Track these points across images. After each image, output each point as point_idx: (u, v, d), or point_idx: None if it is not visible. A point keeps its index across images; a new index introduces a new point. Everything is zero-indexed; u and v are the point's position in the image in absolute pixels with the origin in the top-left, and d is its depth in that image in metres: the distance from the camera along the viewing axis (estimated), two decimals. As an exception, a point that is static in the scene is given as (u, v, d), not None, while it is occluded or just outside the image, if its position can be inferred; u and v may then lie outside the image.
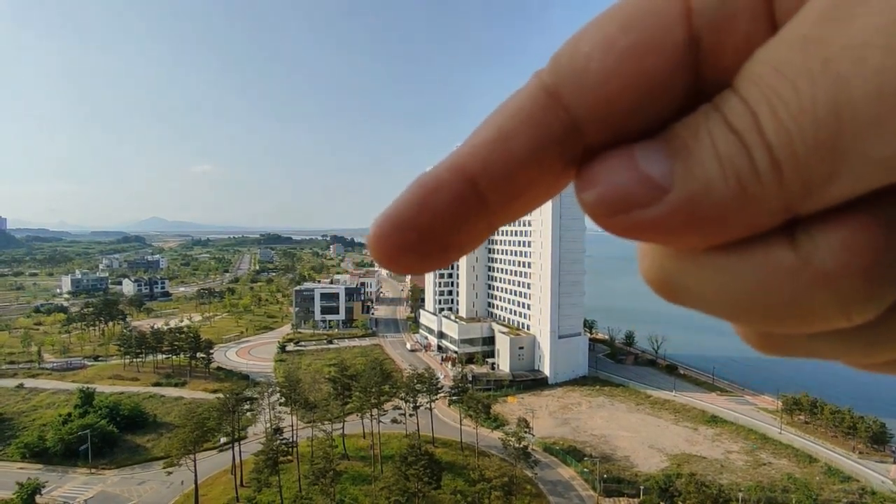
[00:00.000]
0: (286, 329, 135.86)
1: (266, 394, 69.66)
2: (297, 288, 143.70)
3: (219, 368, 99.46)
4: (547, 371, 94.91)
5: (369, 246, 0.42)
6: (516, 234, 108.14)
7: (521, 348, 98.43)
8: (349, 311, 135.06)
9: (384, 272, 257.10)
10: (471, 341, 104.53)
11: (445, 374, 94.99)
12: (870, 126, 0.31)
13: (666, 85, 0.38)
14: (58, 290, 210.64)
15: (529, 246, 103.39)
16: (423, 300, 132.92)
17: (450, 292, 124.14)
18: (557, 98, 0.39)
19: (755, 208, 0.35)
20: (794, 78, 0.33)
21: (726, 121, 0.36)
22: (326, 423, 64.44)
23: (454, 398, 75.42)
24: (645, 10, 0.38)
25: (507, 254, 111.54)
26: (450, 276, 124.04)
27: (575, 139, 0.40)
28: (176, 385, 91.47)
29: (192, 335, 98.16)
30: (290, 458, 58.12)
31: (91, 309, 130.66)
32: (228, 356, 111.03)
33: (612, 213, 0.38)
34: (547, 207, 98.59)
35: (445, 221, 0.40)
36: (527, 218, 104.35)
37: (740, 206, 0.35)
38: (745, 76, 0.36)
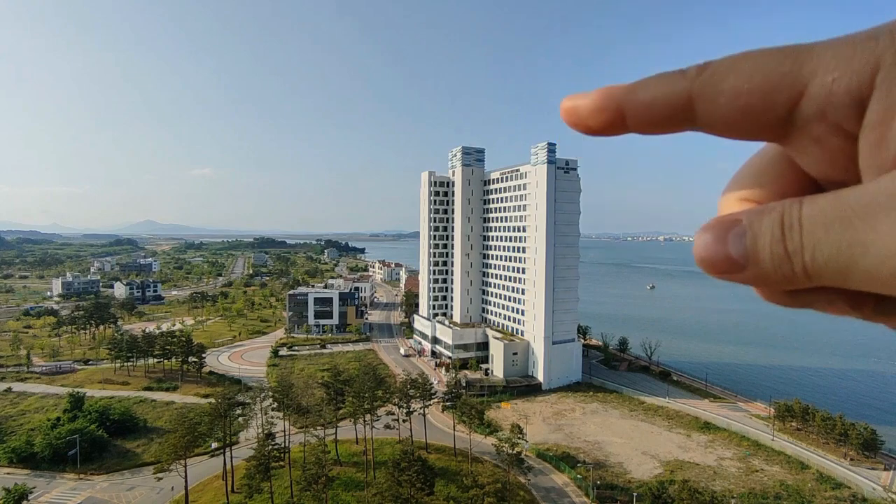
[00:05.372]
0: (279, 333, 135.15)
1: (258, 398, 69.14)
2: (291, 292, 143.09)
3: (211, 373, 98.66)
4: (541, 377, 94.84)
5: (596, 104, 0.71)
6: (511, 240, 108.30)
7: (515, 354, 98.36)
8: (343, 315, 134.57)
9: (378, 277, 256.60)
10: (465, 347, 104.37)
11: (439, 380, 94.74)
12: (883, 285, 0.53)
13: (765, 136, 0.66)
14: (48, 293, 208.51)
15: (524, 252, 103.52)
16: (417, 305, 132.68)
17: (444, 297, 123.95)
18: (690, 99, 0.64)
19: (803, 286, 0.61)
20: (832, 229, 0.54)
21: (783, 240, 0.58)
22: (319, 428, 64.00)
23: (448, 404, 75.17)
24: (767, 75, 0.60)
25: (501, 259, 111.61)
26: (444, 281, 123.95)
27: (692, 122, 0.67)
28: (167, 389, 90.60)
29: (184, 339, 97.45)
30: (282, 463, 57.62)
31: (82, 312, 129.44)
32: (221, 360, 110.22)
33: (709, 271, 0.65)
34: (542, 213, 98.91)
35: (601, 125, 0.70)
36: (521, 224, 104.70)
37: (794, 285, 0.61)
38: (813, 209, 0.57)
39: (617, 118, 0.67)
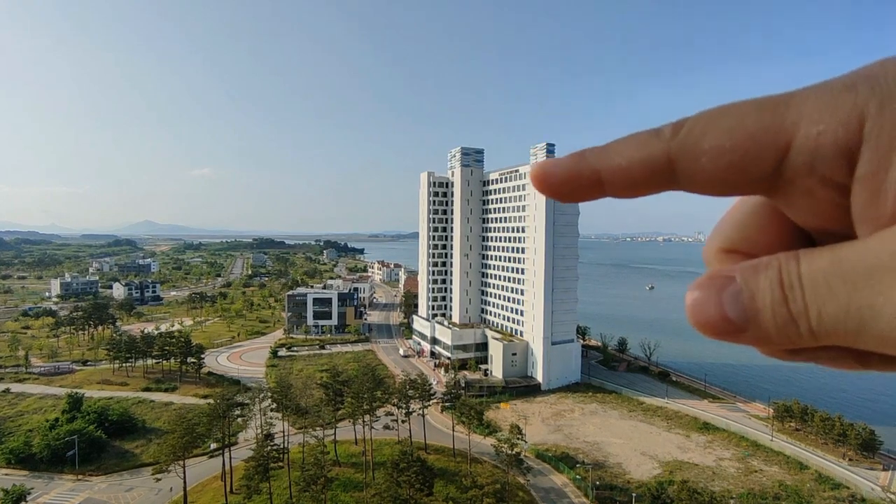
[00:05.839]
0: (278, 334, 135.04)
1: (257, 399, 69.08)
2: (290, 293, 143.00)
3: (210, 373, 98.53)
4: (540, 377, 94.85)
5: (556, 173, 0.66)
6: (510, 241, 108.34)
7: (515, 354, 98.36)
8: (342, 316, 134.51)
9: (377, 278, 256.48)
10: (464, 347, 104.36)
11: (438, 380, 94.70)
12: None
13: (751, 192, 0.63)
14: (47, 294, 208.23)
15: (523, 252, 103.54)
16: (416, 306, 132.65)
17: (443, 298, 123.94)
18: (669, 160, 0.60)
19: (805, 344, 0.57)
20: (837, 292, 0.50)
21: (785, 302, 0.54)
22: (318, 428, 63.97)
23: (447, 404, 75.14)
24: (749, 131, 0.57)
25: (500, 260, 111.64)
26: (443, 281, 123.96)
27: (673, 183, 0.63)
28: (166, 390, 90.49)
29: (183, 340, 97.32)
30: (280, 464, 57.59)
31: (80, 312, 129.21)
32: (220, 361, 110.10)
33: (706, 334, 0.59)
34: (541, 213, 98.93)
35: (574, 191, 0.65)
36: (520, 224, 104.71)
37: (799, 345, 0.57)
38: (813, 267, 0.53)
39: (593, 185, 0.64)
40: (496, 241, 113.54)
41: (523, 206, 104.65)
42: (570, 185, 0.64)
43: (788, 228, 0.70)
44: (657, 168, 0.61)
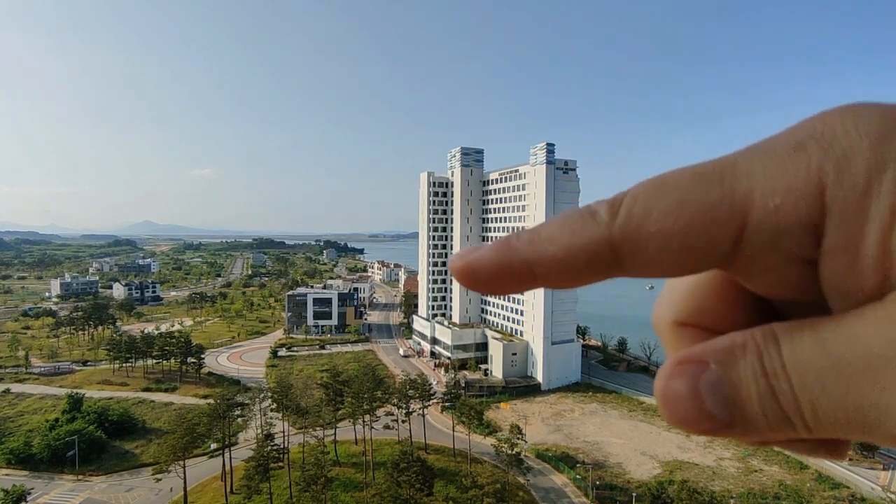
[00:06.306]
0: (278, 334, 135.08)
1: (257, 399, 69.12)
2: (290, 293, 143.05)
3: (210, 373, 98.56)
4: (540, 377, 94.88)
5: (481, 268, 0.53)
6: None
7: (515, 354, 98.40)
8: (342, 316, 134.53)
9: (377, 278, 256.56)
10: (464, 347, 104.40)
11: (438, 380, 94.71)
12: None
13: (707, 269, 0.52)
14: (47, 294, 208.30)
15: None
16: (416, 306, 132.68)
17: (443, 298, 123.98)
18: (612, 248, 0.48)
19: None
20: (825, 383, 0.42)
21: (773, 395, 0.44)
22: (318, 428, 64.01)
23: (447, 404, 75.16)
24: (697, 209, 0.46)
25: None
26: (443, 281, 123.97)
27: (618, 271, 0.50)
28: (166, 390, 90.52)
29: (183, 340, 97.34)
30: (281, 464, 57.59)
31: (80, 313, 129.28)
32: (220, 361, 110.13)
33: (689, 431, 0.49)
34: (541, 213, 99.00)
35: (504, 286, 0.53)
36: (520, 224, 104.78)
37: (794, 437, 0.48)
38: (796, 357, 0.43)
39: (525, 278, 0.52)
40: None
41: (523, 206, 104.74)
42: (499, 280, 0.53)
43: (748, 295, 0.59)
44: (598, 258, 0.49)
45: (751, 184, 0.46)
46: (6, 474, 62.28)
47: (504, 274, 0.52)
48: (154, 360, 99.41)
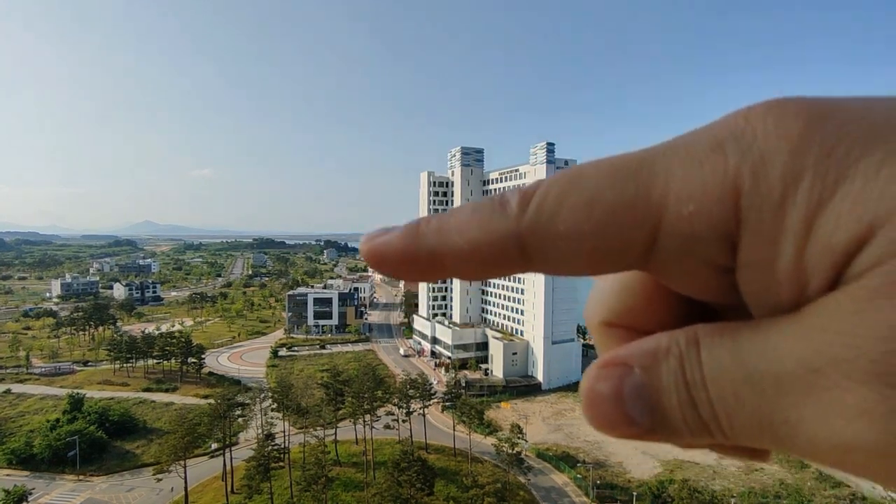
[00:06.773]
0: (279, 334, 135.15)
1: (258, 399, 69.13)
2: (291, 293, 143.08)
3: (210, 373, 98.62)
4: (540, 377, 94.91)
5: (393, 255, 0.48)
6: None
7: (515, 354, 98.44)
8: (342, 316, 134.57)
9: (378, 277, 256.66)
10: (464, 347, 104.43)
11: (439, 380, 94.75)
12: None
13: (621, 271, 0.47)
14: (47, 294, 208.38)
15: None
16: (416, 305, 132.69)
17: (444, 298, 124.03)
18: (521, 243, 0.45)
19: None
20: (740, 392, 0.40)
21: (693, 405, 0.42)
22: (319, 428, 63.99)
23: (447, 404, 75.18)
24: (609, 208, 0.42)
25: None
26: (443, 281, 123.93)
27: (528, 266, 0.46)
28: (167, 390, 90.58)
29: (183, 340, 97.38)
30: (281, 464, 57.64)
31: (81, 313, 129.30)
32: (220, 361, 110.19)
33: (606, 434, 0.47)
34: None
35: (412, 273, 0.49)
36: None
37: (708, 441, 0.45)
38: (715, 368, 0.41)
39: (432, 267, 0.48)
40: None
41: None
42: (406, 266, 0.49)
43: (676, 294, 0.53)
44: (505, 253, 0.45)
45: (667, 185, 0.42)
46: (7, 475, 62.36)
47: (410, 262, 0.48)
48: (154, 361, 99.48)
